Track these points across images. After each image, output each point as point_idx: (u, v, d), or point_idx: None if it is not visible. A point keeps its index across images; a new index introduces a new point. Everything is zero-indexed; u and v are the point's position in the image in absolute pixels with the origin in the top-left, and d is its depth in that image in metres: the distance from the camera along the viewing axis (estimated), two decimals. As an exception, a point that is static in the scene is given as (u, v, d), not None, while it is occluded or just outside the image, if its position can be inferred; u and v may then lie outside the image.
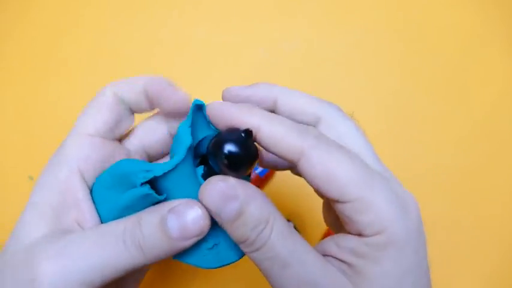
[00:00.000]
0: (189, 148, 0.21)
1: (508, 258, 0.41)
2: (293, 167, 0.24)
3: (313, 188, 0.21)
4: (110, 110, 0.23)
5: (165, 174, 0.20)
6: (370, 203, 0.19)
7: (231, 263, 0.23)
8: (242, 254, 0.23)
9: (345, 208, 0.19)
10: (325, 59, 0.46)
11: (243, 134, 0.20)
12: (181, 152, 0.20)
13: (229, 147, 0.20)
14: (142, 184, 0.20)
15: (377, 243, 0.19)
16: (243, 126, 0.20)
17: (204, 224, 0.20)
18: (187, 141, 0.20)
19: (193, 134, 0.22)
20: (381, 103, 0.44)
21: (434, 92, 0.45)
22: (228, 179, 0.20)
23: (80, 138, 0.23)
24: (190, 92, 0.45)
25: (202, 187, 0.20)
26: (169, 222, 0.20)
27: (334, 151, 0.20)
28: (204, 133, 0.23)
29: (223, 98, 0.24)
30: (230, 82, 0.45)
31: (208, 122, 0.23)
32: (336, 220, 0.24)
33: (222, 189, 0.19)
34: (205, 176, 0.22)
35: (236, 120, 0.21)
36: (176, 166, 0.20)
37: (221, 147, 0.20)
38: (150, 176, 0.20)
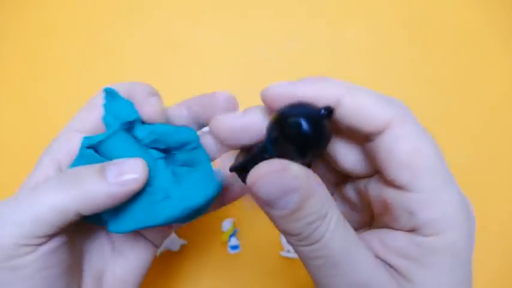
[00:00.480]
0: (123, 123, 0.23)
1: (506, 258, 0.41)
2: (370, 172, 0.20)
3: (380, 162, 0.18)
4: (97, 111, 0.25)
5: (101, 141, 0.23)
6: (439, 198, 0.17)
7: (193, 208, 0.21)
8: (205, 199, 0.22)
9: (409, 198, 0.17)
10: (325, 59, 0.46)
11: (323, 111, 0.16)
12: (115, 125, 0.23)
13: (305, 126, 0.16)
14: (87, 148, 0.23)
15: (433, 245, 0.17)
16: (319, 101, 0.17)
17: (141, 170, 0.21)
18: (121, 115, 0.23)
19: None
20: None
21: (438, 91, 0.45)
22: (290, 167, 0.17)
23: (68, 133, 0.24)
24: (189, 92, 0.45)
25: (254, 171, 0.17)
26: (108, 170, 0.21)
27: (421, 132, 0.18)
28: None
29: (265, 100, 0.20)
30: (230, 82, 0.45)
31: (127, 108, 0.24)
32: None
33: (283, 179, 0.16)
34: (255, 158, 0.18)
35: (310, 93, 0.18)
36: (108, 136, 0.23)
37: (293, 125, 0.16)
38: (91, 141, 0.23)
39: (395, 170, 0.17)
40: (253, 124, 0.20)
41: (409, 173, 0.17)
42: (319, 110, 0.17)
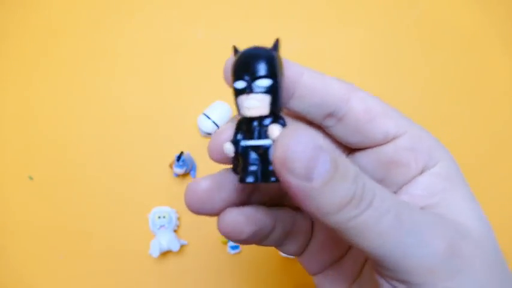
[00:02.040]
0: None
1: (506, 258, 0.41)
2: (328, 114, 0.20)
3: (363, 124, 0.19)
4: None
5: None
6: (422, 131, 0.19)
7: None
8: None
9: (406, 140, 0.19)
10: (325, 59, 0.46)
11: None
12: None
13: (251, 50, 0.16)
14: None
15: (447, 168, 0.19)
16: (291, 73, 0.18)
17: None
18: None
19: None
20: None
21: (438, 91, 0.45)
22: (306, 127, 0.16)
23: None
24: (189, 91, 0.45)
25: (281, 140, 0.15)
26: None
27: (373, 96, 0.19)
28: None
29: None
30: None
31: None
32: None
33: (309, 139, 0.14)
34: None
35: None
36: None
37: (244, 53, 0.16)
38: None
39: (381, 122, 0.19)
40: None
41: (392, 120, 0.19)
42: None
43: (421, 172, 0.19)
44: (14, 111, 0.44)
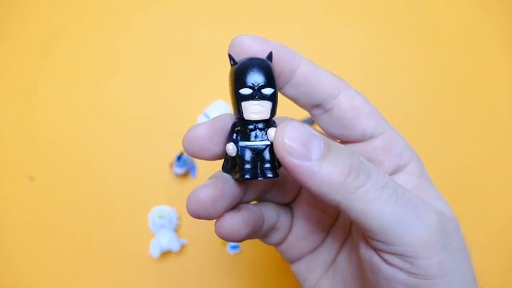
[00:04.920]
0: None
1: (505, 257, 0.41)
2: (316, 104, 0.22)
3: (346, 120, 0.21)
4: None
5: None
6: (396, 134, 0.21)
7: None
8: None
9: (378, 142, 0.21)
10: (324, 59, 0.46)
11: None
12: None
13: (247, 60, 0.19)
14: None
15: (417, 167, 0.21)
16: (289, 63, 0.20)
17: None
18: None
19: None
20: (380, 102, 0.44)
21: (437, 92, 0.45)
22: (296, 120, 0.18)
23: None
24: (189, 91, 0.45)
25: (280, 130, 0.17)
26: None
27: (361, 94, 0.21)
28: None
29: (232, 49, 0.21)
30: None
31: None
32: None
33: (301, 127, 0.17)
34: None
35: (278, 57, 0.20)
36: None
37: (242, 63, 0.19)
38: None
39: (363, 121, 0.21)
40: (223, 128, 0.20)
41: (373, 120, 0.21)
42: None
43: (394, 171, 0.21)
44: (15, 111, 0.44)
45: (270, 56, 0.19)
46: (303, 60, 0.21)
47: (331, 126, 0.22)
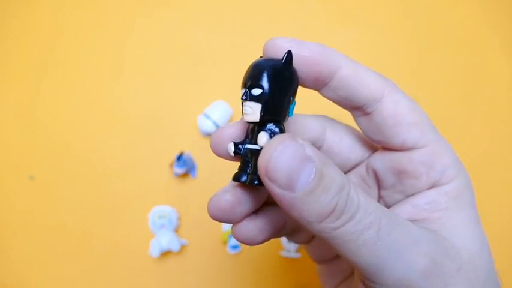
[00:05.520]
0: None
1: (505, 257, 0.41)
2: (358, 107, 0.20)
3: (386, 128, 0.19)
4: None
5: None
6: (444, 147, 0.19)
7: None
8: None
9: (423, 154, 0.19)
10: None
11: (284, 57, 0.18)
12: None
13: (265, 61, 0.17)
14: None
15: (456, 189, 0.19)
16: (326, 66, 0.19)
17: None
18: None
19: None
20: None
21: (436, 92, 0.45)
22: (295, 137, 0.16)
23: None
24: (189, 91, 0.45)
25: (266, 149, 0.15)
26: None
27: (408, 96, 0.20)
28: None
29: (266, 52, 0.20)
30: (229, 82, 0.45)
31: None
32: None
33: (295, 148, 0.15)
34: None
35: (315, 59, 0.19)
36: None
37: (256, 66, 0.17)
38: None
39: (404, 130, 0.19)
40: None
41: (417, 130, 0.19)
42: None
43: (431, 187, 0.19)
44: (15, 110, 0.44)
45: (288, 56, 0.17)
46: (344, 62, 0.19)
47: (369, 131, 0.20)
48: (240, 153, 0.18)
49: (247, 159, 0.18)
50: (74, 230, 0.41)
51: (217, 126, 0.41)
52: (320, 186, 0.15)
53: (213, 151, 0.19)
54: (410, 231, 0.17)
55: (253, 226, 0.20)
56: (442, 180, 0.19)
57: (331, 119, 0.22)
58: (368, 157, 0.22)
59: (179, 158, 0.40)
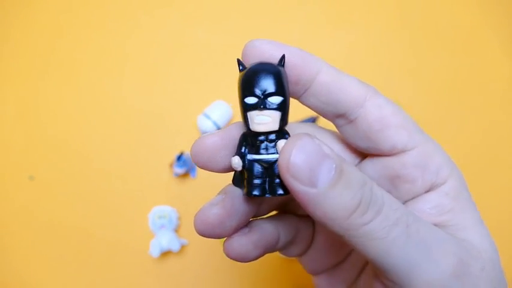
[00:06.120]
0: None
1: (505, 258, 0.41)
2: (339, 114, 0.20)
3: (372, 133, 0.19)
4: None
5: None
6: (433, 147, 0.19)
7: None
8: None
9: (414, 156, 0.18)
10: (324, 59, 0.46)
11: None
12: None
13: (257, 66, 0.17)
14: None
15: (455, 188, 0.18)
16: (307, 69, 0.18)
17: None
18: None
19: None
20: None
21: (436, 92, 0.45)
22: (311, 135, 0.15)
23: None
24: (189, 91, 0.45)
25: (286, 148, 0.15)
26: None
27: (388, 99, 0.19)
28: None
29: (245, 54, 0.19)
30: (229, 82, 0.45)
31: None
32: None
33: (313, 145, 0.15)
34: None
35: (295, 62, 0.18)
36: None
37: (251, 69, 0.17)
38: None
39: (392, 133, 0.18)
40: (234, 139, 0.18)
41: (405, 132, 0.18)
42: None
43: (428, 190, 0.19)
44: (15, 110, 0.44)
45: (281, 60, 0.17)
46: (323, 67, 0.18)
47: (356, 139, 0.19)
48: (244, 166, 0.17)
49: (256, 171, 0.17)
50: (73, 230, 0.41)
51: (217, 126, 0.41)
52: (342, 181, 0.15)
53: (194, 161, 0.18)
54: (435, 230, 0.16)
55: (247, 240, 0.19)
56: (438, 181, 0.18)
57: (319, 126, 0.22)
58: (358, 164, 0.21)
59: (179, 158, 0.40)
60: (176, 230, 0.41)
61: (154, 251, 0.39)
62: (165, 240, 0.39)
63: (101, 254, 0.41)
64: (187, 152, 0.42)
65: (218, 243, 0.41)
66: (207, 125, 0.41)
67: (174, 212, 0.41)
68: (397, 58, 0.46)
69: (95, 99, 0.44)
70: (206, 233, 0.18)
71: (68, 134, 0.43)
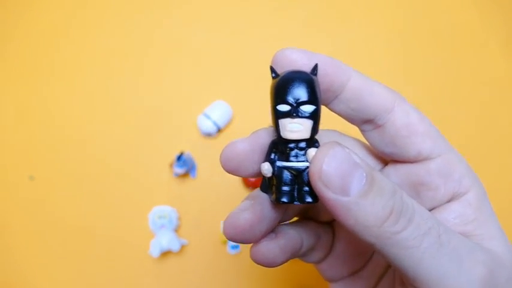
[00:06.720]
0: None
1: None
2: (368, 120, 0.20)
3: (399, 139, 0.19)
4: None
5: None
6: (456, 157, 0.19)
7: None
8: None
9: (438, 164, 0.18)
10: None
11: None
12: None
13: (290, 74, 0.17)
14: None
15: (477, 197, 0.18)
16: (338, 77, 0.18)
17: None
18: None
19: None
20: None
21: (436, 92, 0.45)
22: (341, 144, 0.16)
23: None
24: (189, 92, 0.45)
25: (318, 156, 0.15)
26: None
27: (419, 111, 0.19)
28: None
29: (275, 63, 0.19)
30: (229, 82, 0.45)
31: None
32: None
33: (345, 154, 0.15)
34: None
35: (326, 70, 0.18)
36: None
37: (285, 77, 0.17)
38: None
39: (418, 140, 0.18)
40: (262, 145, 0.18)
41: (430, 140, 0.19)
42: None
43: (450, 199, 0.19)
44: (15, 110, 0.44)
45: (314, 69, 0.17)
46: (353, 74, 0.19)
47: (382, 144, 0.19)
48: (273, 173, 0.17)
49: (285, 178, 0.17)
50: (74, 230, 0.41)
51: (217, 126, 0.41)
52: (373, 190, 0.15)
53: (224, 167, 0.18)
54: (465, 240, 0.17)
55: (275, 245, 0.19)
56: (460, 190, 0.18)
57: (342, 133, 0.22)
58: (380, 170, 0.21)
59: (179, 158, 0.40)
60: (176, 230, 0.41)
61: (155, 251, 0.39)
62: (165, 240, 0.39)
63: (101, 253, 0.41)
64: (187, 152, 0.42)
65: (218, 243, 0.41)
66: (207, 125, 0.41)
67: (174, 212, 0.41)
68: (396, 58, 0.46)
69: (95, 99, 0.44)
70: (236, 238, 0.18)
71: (68, 134, 0.43)
